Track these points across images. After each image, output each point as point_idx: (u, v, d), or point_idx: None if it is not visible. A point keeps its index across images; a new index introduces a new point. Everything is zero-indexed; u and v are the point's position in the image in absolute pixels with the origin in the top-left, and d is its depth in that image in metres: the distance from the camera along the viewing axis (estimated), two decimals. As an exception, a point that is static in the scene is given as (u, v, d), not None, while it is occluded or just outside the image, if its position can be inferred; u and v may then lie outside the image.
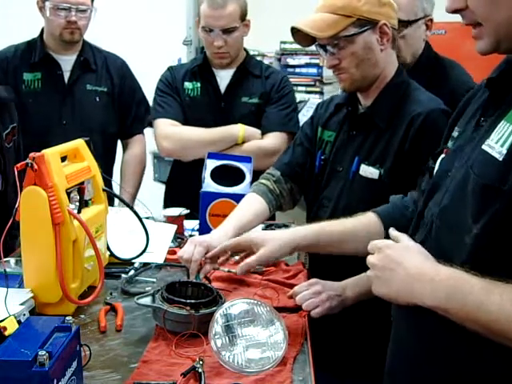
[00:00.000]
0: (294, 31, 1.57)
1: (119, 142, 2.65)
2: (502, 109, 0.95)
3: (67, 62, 2.40)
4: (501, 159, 0.88)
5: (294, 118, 2.41)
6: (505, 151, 0.88)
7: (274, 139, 2.31)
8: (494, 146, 0.91)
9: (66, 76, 2.39)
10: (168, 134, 2.31)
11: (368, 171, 1.56)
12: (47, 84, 2.37)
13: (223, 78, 2.36)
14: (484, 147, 0.93)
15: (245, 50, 2.40)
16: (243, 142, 2.29)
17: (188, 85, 2.36)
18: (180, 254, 1.54)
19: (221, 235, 1.58)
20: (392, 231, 1.09)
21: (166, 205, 2.37)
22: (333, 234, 1.40)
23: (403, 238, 1.05)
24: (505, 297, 0.84)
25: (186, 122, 2.34)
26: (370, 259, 1.05)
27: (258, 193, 1.76)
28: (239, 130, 2.29)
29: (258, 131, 2.33)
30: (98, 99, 2.44)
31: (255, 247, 1.39)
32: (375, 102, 1.60)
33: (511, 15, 0.89)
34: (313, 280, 1.50)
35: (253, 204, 1.73)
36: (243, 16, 2.27)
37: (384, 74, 1.59)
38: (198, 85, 2.35)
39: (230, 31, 2.23)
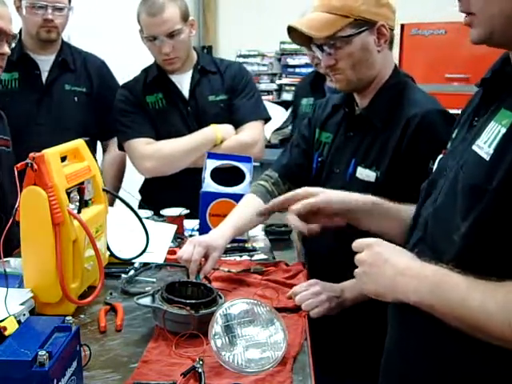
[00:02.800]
0: (291, 30, 1.55)
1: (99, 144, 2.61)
2: (492, 109, 0.96)
3: (45, 62, 2.38)
4: (488, 159, 0.90)
5: (262, 104, 2.42)
6: (492, 151, 0.89)
7: (251, 130, 2.31)
8: (483, 147, 0.92)
9: (44, 76, 2.37)
10: (148, 153, 2.26)
11: (364, 173, 1.55)
12: (25, 84, 2.35)
13: (183, 82, 2.32)
14: (474, 147, 0.95)
15: (194, 49, 2.37)
16: (221, 141, 2.27)
17: (150, 98, 2.30)
18: (179, 255, 1.54)
19: (219, 235, 1.58)
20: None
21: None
22: (386, 209, 1.34)
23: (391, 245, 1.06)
24: (487, 294, 0.85)
25: (157, 135, 2.29)
26: (359, 255, 1.06)
27: (257, 194, 1.75)
28: (215, 131, 2.27)
29: (231, 126, 2.31)
30: (76, 99, 2.41)
31: (311, 196, 1.34)
32: (371, 103, 1.59)
33: (506, 8, 0.89)
34: (312, 281, 1.50)
35: (251, 205, 1.72)
36: (185, 16, 2.21)
37: (381, 75, 1.58)
38: (160, 95, 2.30)
39: (174, 35, 2.17)
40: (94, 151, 2.50)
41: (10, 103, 2.29)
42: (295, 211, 1.31)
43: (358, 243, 1.08)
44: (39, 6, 2.24)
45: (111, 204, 2.19)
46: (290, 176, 1.79)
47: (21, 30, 2.39)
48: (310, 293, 1.44)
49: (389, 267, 0.99)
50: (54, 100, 2.38)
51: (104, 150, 2.63)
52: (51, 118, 2.36)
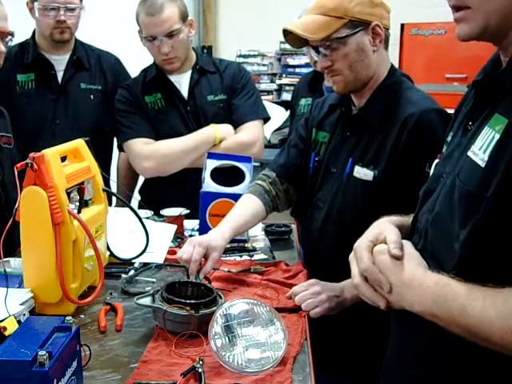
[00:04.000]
0: (287, 33, 1.56)
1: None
2: (486, 114, 0.95)
3: (60, 61, 2.39)
4: (483, 166, 0.89)
5: (261, 104, 2.42)
6: (486, 158, 0.89)
7: (250, 130, 2.31)
8: (478, 153, 0.92)
9: (60, 76, 2.39)
10: (146, 153, 2.26)
11: (362, 172, 1.55)
12: (41, 84, 2.36)
13: (181, 82, 2.32)
14: (469, 154, 0.94)
15: (193, 49, 2.37)
16: (220, 141, 2.27)
17: (149, 98, 2.31)
18: (179, 255, 1.54)
19: (219, 236, 1.58)
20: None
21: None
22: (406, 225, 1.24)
23: (406, 244, 1.04)
24: (487, 302, 0.85)
25: (157, 136, 2.30)
26: None
27: (255, 193, 1.75)
28: (213, 130, 2.27)
29: (230, 126, 2.32)
30: (92, 97, 2.43)
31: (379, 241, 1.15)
32: (368, 104, 1.58)
33: (504, 5, 0.88)
34: (312, 280, 1.50)
35: (249, 204, 1.72)
36: (184, 16, 2.22)
37: (377, 74, 1.57)
38: (159, 95, 2.31)
39: (173, 35, 2.18)
40: (110, 148, 2.52)
41: (28, 104, 2.32)
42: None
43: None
44: (51, 7, 2.25)
45: (120, 204, 2.18)
46: (288, 176, 1.79)
47: (34, 31, 2.40)
48: (310, 293, 1.44)
49: (394, 277, 0.98)
50: (70, 99, 2.40)
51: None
52: (68, 117, 2.38)
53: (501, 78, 0.93)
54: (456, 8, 0.94)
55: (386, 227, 1.09)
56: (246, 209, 1.71)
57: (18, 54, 2.39)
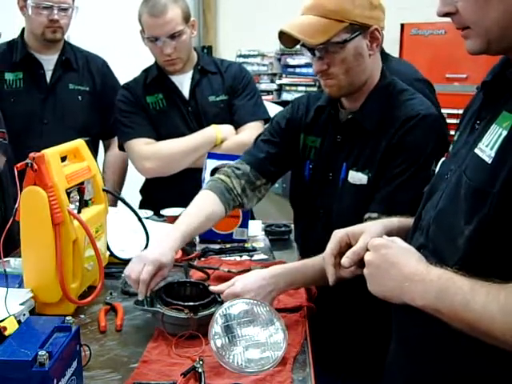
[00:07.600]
0: (281, 33, 1.49)
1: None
2: (494, 112, 0.96)
3: (49, 61, 2.39)
4: (490, 162, 0.90)
5: (262, 105, 2.42)
6: (493, 154, 0.90)
7: (251, 131, 2.29)
8: (485, 150, 0.92)
9: (48, 75, 2.39)
10: (147, 153, 2.26)
11: (357, 177, 1.51)
12: (29, 83, 2.36)
13: (183, 82, 2.32)
14: (476, 151, 0.95)
15: (194, 49, 2.37)
16: (221, 142, 2.27)
17: (150, 98, 2.31)
18: (126, 273, 1.40)
19: (168, 248, 1.43)
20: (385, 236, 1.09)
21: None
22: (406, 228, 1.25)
23: (397, 240, 1.05)
24: (490, 297, 0.85)
25: (158, 136, 2.29)
26: (367, 257, 1.05)
27: (214, 191, 1.63)
28: (215, 131, 2.27)
29: (231, 127, 2.31)
30: (80, 98, 2.43)
31: (354, 239, 1.18)
32: (363, 107, 1.53)
33: (500, 17, 0.90)
34: (237, 280, 1.40)
35: (205, 205, 1.60)
36: (187, 17, 2.21)
37: (371, 78, 1.53)
38: (161, 96, 2.31)
39: (176, 36, 2.17)
40: (96, 150, 2.52)
41: (15, 103, 2.31)
42: (347, 266, 1.14)
43: (368, 244, 1.07)
44: (44, 6, 2.25)
45: (113, 204, 2.18)
46: (265, 171, 1.70)
47: (23, 30, 2.40)
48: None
49: (395, 271, 0.99)
50: (58, 99, 2.39)
51: (106, 149, 2.64)
52: (56, 118, 2.37)
53: (510, 78, 0.95)
54: (460, 28, 0.96)
55: (369, 230, 1.15)
56: (201, 210, 1.58)
57: (5, 52, 2.38)
